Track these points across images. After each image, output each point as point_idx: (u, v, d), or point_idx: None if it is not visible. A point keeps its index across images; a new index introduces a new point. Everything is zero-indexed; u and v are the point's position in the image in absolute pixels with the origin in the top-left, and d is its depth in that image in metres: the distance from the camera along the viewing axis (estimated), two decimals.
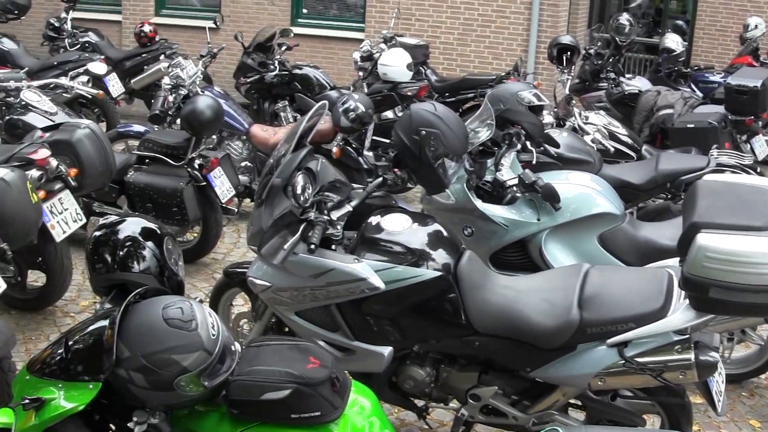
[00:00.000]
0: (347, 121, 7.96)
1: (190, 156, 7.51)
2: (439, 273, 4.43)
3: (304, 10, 14.51)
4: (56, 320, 6.84)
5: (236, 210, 8.10)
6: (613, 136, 7.97)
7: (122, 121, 10.75)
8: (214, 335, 3.29)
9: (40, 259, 6.66)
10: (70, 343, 3.56)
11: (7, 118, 7.87)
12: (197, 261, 7.79)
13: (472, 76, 11.19)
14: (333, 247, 4.58)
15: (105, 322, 3.44)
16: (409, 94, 9.70)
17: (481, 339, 4.42)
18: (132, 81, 11.65)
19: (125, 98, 11.91)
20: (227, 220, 8.09)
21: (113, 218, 3.95)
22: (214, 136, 8.53)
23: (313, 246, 4.34)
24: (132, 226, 3.86)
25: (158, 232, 3.86)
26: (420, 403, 4.84)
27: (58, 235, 6.47)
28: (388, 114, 10.03)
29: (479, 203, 5.83)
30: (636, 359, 4.11)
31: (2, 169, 5.88)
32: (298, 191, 4.34)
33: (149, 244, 3.79)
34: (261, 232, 4.64)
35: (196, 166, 7.54)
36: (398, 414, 5.42)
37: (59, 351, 3.58)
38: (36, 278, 6.99)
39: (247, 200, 8.99)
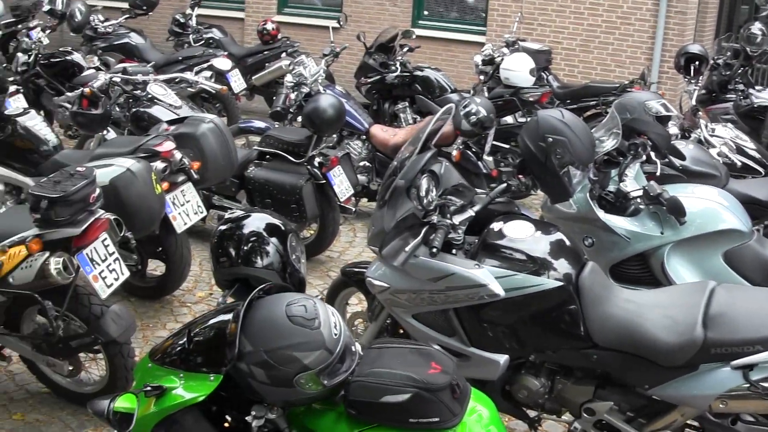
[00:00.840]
0: (468, 124, 7.90)
1: (311, 154, 7.56)
2: (560, 283, 4.36)
3: (425, 12, 14.50)
4: (173, 309, 6.94)
5: (353, 209, 8.13)
6: (740, 150, 7.75)
7: (243, 116, 10.88)
8: (336, 335, 3.29)
9: (160, 249, 6.80)
10: (193, 334, 3.60)
11: (134, 110, 8.02)
12: (313, 258, 7.82)
13: (595, 84, 11.03)
14: (453, 251, 4.55)
15: (228, 316, 3.47)
16: (530, 99, 9.61)
17: (600, 352, 4.34)
18: (253, 77, 11.80)
19: (246, 94, 12.04)
20: (344, 218, 8.12)
21: (239, 213, 3.98)
22: (334, 135, 8.56)
23: (434, 249, 4.31)
24: (257, 221, 3.88)
25: (282, 228, 3.87)
26: (532, 413, 4.77)
27: (179, 226, 6.59)
28: (508, 119, 9.94)
29: (601, 214, 5.73)
30: (762, 384, 3.98)
31: (129, 159, 6.01)
32: (422, 194, 4.33)
33: (273, 240, 3.80)
34: (382, 233, 4.64)
35: (316, 164, 7.58)
36: (508, 423, 5.36)
37: (182, 341, 3.62)
38: (155, 267, 7.11)
39: (364, 200, 9.02)
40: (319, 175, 7.53)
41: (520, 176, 5.06)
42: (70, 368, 5.35)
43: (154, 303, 7.00)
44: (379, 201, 4.73)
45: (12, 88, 8.31)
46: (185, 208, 6.63)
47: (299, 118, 8.38)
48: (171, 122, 7.17)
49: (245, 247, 3.76)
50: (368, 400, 3.34)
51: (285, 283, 3.74)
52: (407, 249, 4.38)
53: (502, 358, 4.52)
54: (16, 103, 9.04)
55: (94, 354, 5.49)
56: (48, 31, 11.74)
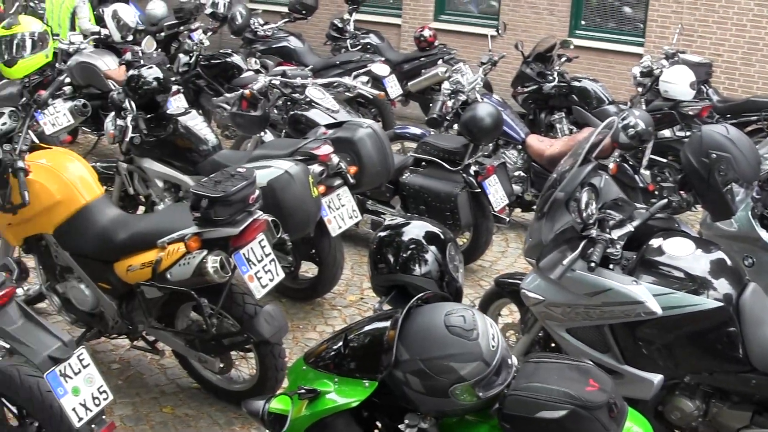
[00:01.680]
0: (626, 137, 7.74)
1: (467, 162, 7.52)
2: (720, 304, 4.24)
3: (583, 22, 14.31)
4: (324, 312, 6.99)
5: (507, 219, 8.06)
6: None
7: (398, 122, 10.92)
8: (493, 347, 3.25)
9: (313, 251, 6.85)
10: (349, 339, 3.60)
11: (292, 113, 8.11)
12: (465, 267, 7.75)
13: (757, 98, 10.70)
14: (611, 266, 4.47)
15: (385, 323, 3.46)
16: (690, 113, 9.37)
17: (759, 377, 4.20)
18: (409, 83, 11.83)
19: (401, 100, 12.07)
20: (497, 228, 8.06)
21: (399, 220, 3.97)
22: (490, 144, 8.51)
23: (592, 264, 4.25)
24: (416, 229, 3.85)
25: (442, 237, 3.84)
26: None
27: (334, 229, 6.63)
28: (666, 133, 9.71)
29: (764, 233, 5.56)
30: None
31: (287, 162, 6.08)
32: (582, 207, 4.27)
33: (432, 248, 3.77)
34: (540, 245, 4.59)
35: (472, 173, 7.53)
36: None
37: (337, 346, 3.63)
38: (308, 269, 7.17)
39: (518, 210, 8.95)
40: (475, 183, 7.48)
41: (682, 192, 4.95)
42: (221, 365, 5.43)
43: (305, 305, 7.06)
44: (538, 213, 4.69)
45: (173, 88, 8.49)
46: (340, 211, 6.67)
47: (455, 126, 8.36)
48: (329, 126, 7.22)
49: (404, 255, 3.74)
50: (523, 415, 3.28)
51: (442, 291, 3.72)
52: (564, 262, 4.33)
53: (657, 378, 4.43)
54: (177, 103, 9.28)
55: (245, 353, 5.57)
56: (209, 34, 12.02)
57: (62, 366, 4.40)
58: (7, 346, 4.55)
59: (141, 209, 7.65)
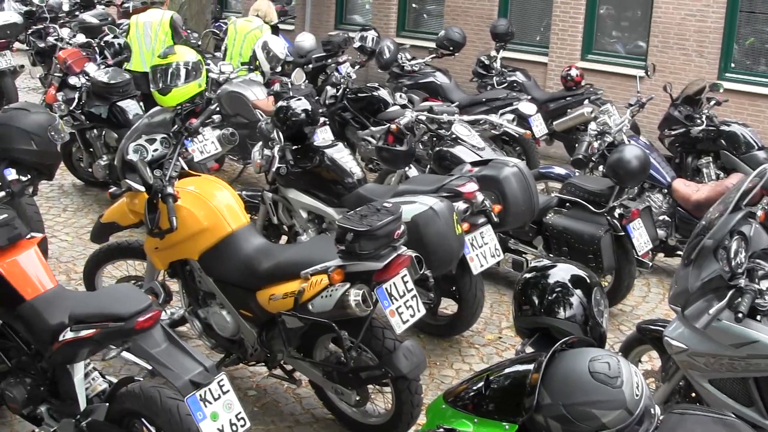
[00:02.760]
0: None
1: (612, 204, 7.41)
2: None
3: (732, 64, 13.98)
4: (461, 350, 6.95)
5: (650, 264, 7.89)
6: None
7: (542, 161, 10.85)
8: (637, 395, 3.17)
9: (454, 288, 6.83)
10: (491, 380, 3.57)
11: (437, 149, 8.13)
12: None
13: None
14: (759, 317, 4.35)
15: (529, 366, 3.42)
16: None
17: None
18: (554, 123, 11.74)
19: (546, 139, 11.99)
20: (639, 272, 7.91)
21: (545, 262, 3.94)
22: (636, 187, 8.38)
23: (740, 315, 4.14)
24: (562, 272, 3.81)
25: (588, 281, 3.79)
26: None
27: (476, 267, 6.60)
28: None
29: None
30: None
31: (432, 198, 6.08)
32: (731, 255, 4.17)
33: (578, 292, 3.73)
34: (686, 292, 4.49)
35: (617, 216, 7.41)
36: None
37: (478, 386, 3.60)
38: (447, 306, 7.15)
39: (661, 255, 8.77)
40: (619, 226, 7.36)
41: None
42: (357, 398, 5.44)
43: (442, 341, 7.04)
44: (685, 260, 4.59)
45: (320, 120, 8.60)
46: (483, 250, 6.65)
47: (601, 167, 8.26)
48: (474, 163, 7.23)
49: (549, 297, 3.71)
50: None
51: (586, 336, 3.67)
52: (711, 311, 4.24)
53: None
54: (324, 135, 9.39)
55: (381, 387, 5.57)
56: (356, 67, 12.17)
57: (203, 391, 4.47)
58: (150, 367, 4.65)
59: (284, 239, 7.75)
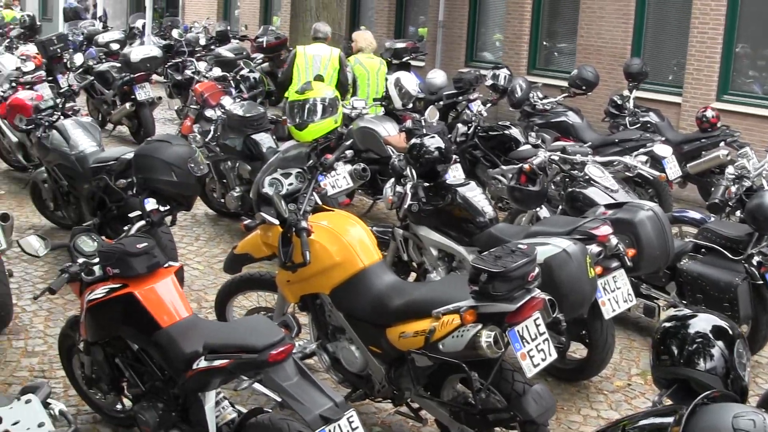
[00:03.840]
0: None
1: (750, 251, 7.20)
2: None
3: None
4: (589, 396, 6.83)
5: None
6: None
7: (675, 204, 10.66)
8: None
9: (584, 332, 6.73)
10: (627, 431, 3.49)
11: (570, 190, 8.04)
12: None
13: None
14: None
15: (668, 419, 3.31)
16: None
17: None
18: (688, 165, 11.52)
19: (679, 182, 11.74)
20: None
21: (685, 311, 3.84)
22: None
23: None
24: (703, 322, 3.71)
25: (730, 332, 3.68)
26: None
27: (608, 312, 6.49)
28: None
29: None
30: None
31: (565, 240, 6.01)
32: None
33: (719, 343, 3.62)
34: None
35: (755, 263, 7.19)
36: None
37: None
38: (575, 350, 7.04)
39: None
40: (757, 275, 7.12)
41: None
42: None
43: (570, 386, 6.92)
44: None
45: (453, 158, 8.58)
46: (615, 294, 6.54)
47: (738, 213, 8.07)
48: (608, 206, 7.12)
49: (690, 348, 3.61)
50: None
51: (727, 390, 3.56)
52: None
53: None
54: (454, 173, 9.37)
55: (509, 430, 5.49)
56: (488, 105, 12.14)
57: (332, 426, 4.50)
58: (279, 399, 4.69)
59: (412, 276, 7.74)
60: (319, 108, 7.98)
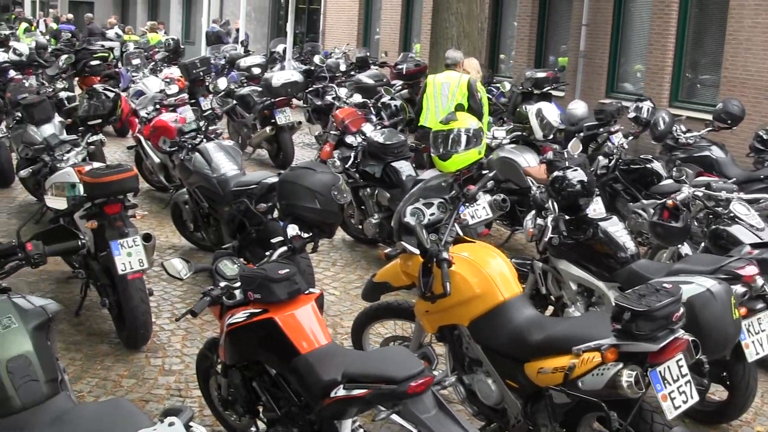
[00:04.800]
0: None
1: None
2: None
3: None
4: None
5: None
6: None
7: None
8: None
9: (725, 374, 6.57)
10: None
11: (713, 227, 7.88)
12: None
13: None
14: None
15: None
16: None
17: None
18: None
19: None
20: None
21: None
22: None
23: None
24: None
25: None
26: None
27: (751, 355, 6.32)
28: None
29: None
30: None
31: (710, 280, 5.88)
32: None
33: None
34: None
35: None
36: None
37: None
38: (715, 391, 6.88)
39: None
40: None
41: None
42: None
43: (709, 429, 6.75)
44: None
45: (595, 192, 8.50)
46: (759, 336, 6.36)
47: None
48: (754, 245, 6.96)
49: None
50: None
51: None
52: None
53: None
54: (595, 206, 9.26)
55: None
56: (630, 138, 11.98)
57: None
58: (415, 431, 4.70)
59: (549, 309, 7.68)
60: (464, 139, 7.98)
